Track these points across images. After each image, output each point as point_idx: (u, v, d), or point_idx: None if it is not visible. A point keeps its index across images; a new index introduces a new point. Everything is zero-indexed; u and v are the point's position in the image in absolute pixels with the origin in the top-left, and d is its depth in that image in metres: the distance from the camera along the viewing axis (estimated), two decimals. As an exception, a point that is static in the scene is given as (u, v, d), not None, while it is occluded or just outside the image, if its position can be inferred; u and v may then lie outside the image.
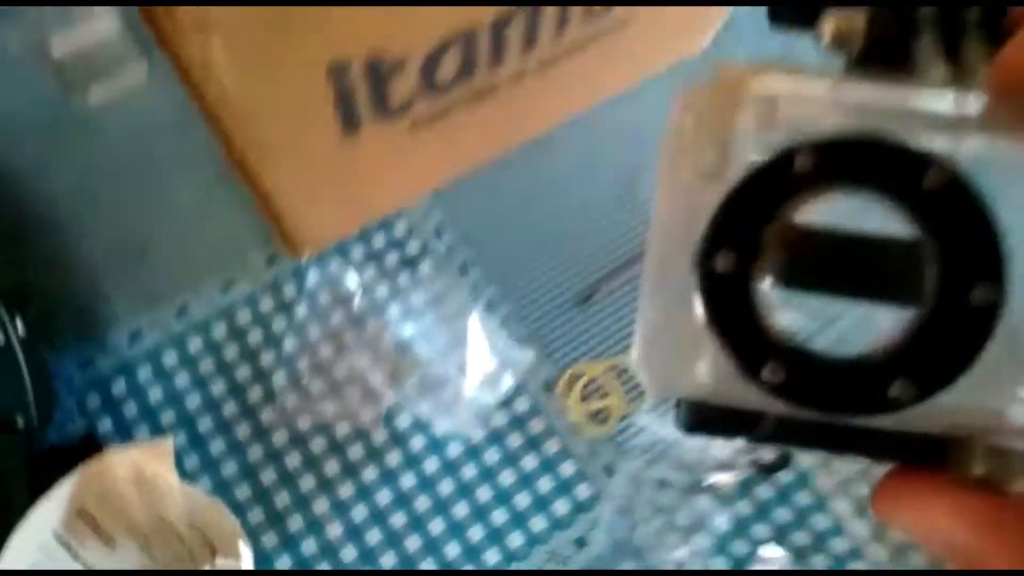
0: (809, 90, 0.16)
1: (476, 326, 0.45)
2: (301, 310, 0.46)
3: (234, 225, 0.48)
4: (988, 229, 0.14)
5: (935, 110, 0.15)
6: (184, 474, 0.41)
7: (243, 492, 0.42)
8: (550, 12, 0.39)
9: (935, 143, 0.15)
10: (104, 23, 0.50)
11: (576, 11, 0.40)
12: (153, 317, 0.46)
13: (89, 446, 0.40)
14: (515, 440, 0.44)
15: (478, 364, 0.44)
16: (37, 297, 0.43)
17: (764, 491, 0.44)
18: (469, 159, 0.48)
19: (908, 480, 0.16)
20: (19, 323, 0.38)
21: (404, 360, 0.45)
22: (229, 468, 0.43)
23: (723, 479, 0.44)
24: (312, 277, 0.47)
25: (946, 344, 0.15)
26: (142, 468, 0.38)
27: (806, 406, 0.15)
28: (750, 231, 0.15)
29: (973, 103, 0.15)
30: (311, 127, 0.36)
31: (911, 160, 0.15)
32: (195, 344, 0.45)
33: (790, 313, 0.15)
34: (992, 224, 0.14)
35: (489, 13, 0.36)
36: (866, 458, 0.16)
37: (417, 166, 0.45)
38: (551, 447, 0.44)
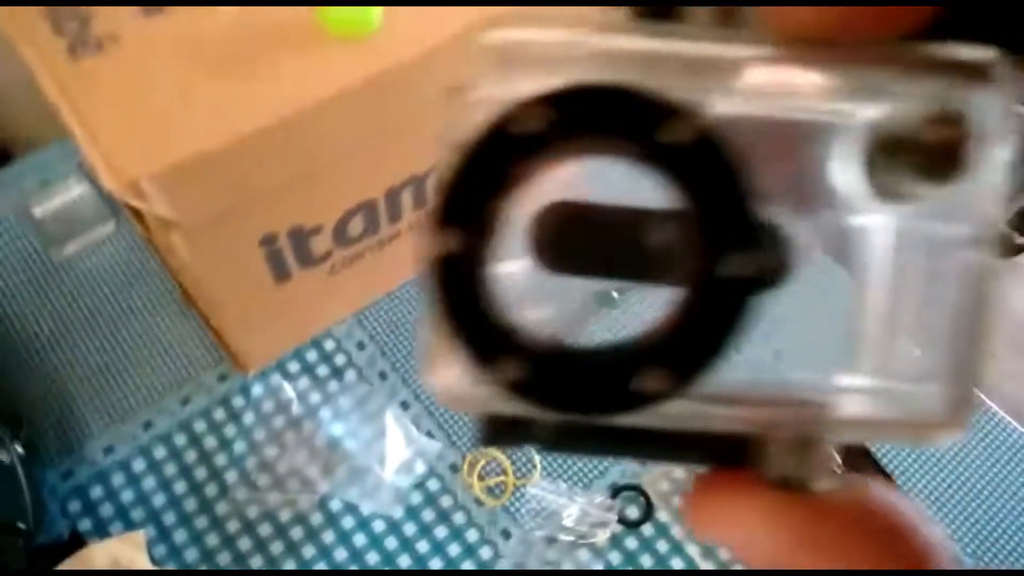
0: (547, 37, 0.14)
1: (393, 423, 0.55)
2: (248, 418, 0.56)
3: (190, 350, 0.58)
4: (738, 190, 0.12)
5: (696, 55, 0.13)
6: (154, 560, 0.50)
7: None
8: (431, 180, 0.51)
9: (691, 93, 0.13)
10: (77, 190, 0.62)
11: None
12: (124, 431, 0.55)
13: (74, 542, 0.49)
14: (428, 515, 0.54)
15: (395, 454, 0.55)
16: (27, 421, 0.52)
17: (631, 542, 0.54)
18: (381, 287, 0.59)
19: (715, 487, 0.15)
20: (17, 445, 0.47)
21: (335, 454, 0.55)
22: (191, 554, 0.52)
23: (598, 535, 0.54)
24: (257, 390, 0.57)
25: (698, 327, 0.13)
26: (118, 557, 0.48)
27: (547, 406, 0.13)
28: (477, 205, 0.13)
29: (742, 47, 0.13)
30: (250, 280, 0.47)
31: (654, 112, 0.12)
32: (159, 452, 0.55)
33: (542, 301, 0.14)
34: (743, 184, 0.12)
35: (381, 189, 0.48)
36: (659, 461, 0.15)
37: (339, 298, 0.56)
38: (458, 519, 0.54)
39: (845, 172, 0.14)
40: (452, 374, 0.14)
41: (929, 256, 0.14)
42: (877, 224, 0.14)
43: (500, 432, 0.14)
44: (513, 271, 0.14)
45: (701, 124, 0.12)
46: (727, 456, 0.14)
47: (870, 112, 0.14)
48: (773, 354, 0.14)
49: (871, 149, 0.14)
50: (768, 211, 0.13)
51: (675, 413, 0.13)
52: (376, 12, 0.39)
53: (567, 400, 0.13)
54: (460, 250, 0.13)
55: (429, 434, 0.56)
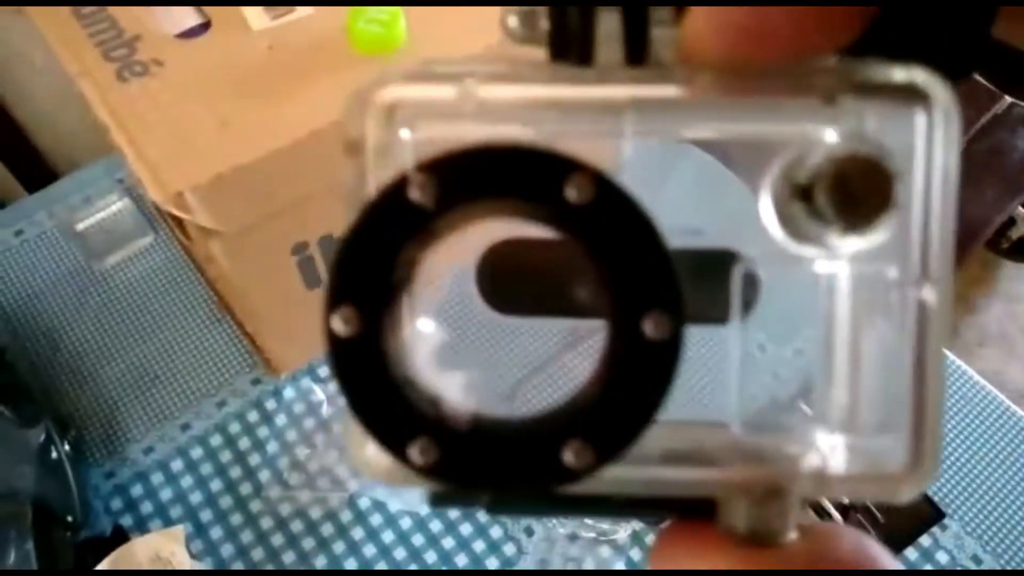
0: (438, 94, 0.13)
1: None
2: (280, 419, 0.59)
3: (225, 356, 0.61)
4: (653, 245, 0.12)
5: (603, 97, 0.13)
6: (191, 555, 0.53)
7: (239, 568, 0.54)
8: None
9: (599, 138, 0.12)
10: (117, 205, 0.65)
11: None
12: (163, 433, 0.59)
13: (118, 537, 0.52)
14: (453, 512, 0.57)
15: (421, 454, 0.57)
16: (74, 423, 0.56)
17: (652, 539, 0.56)
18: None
19: (679, 541, 0.14)
20: (67, 444, 0.50)
21: (363, 454, 0.57)
22: (227, 550, 0.55)
23: (620, 531, 0.56)
24: (288, 393, 0.60)
25: (621, 393, 0.12)
26: (159, 550, 0.51)
27: (468, 486, 0.13)
28: (371, 282, 0.12)
29: (650, 87, 0.13)
30: (283, 287, 0.50)
31: (553, 168, 0.12)
32: (196, 453, 0.58)
33: (453, 372, 0.13)
34: (656, 239, 0.12)
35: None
36: (617, 518, 0.14)
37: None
38: (482, 516, 0.57)
39: (768, 215, 0.13)
40: (373, 453, 0.13)
41: (872, 298, 0.13)
42: (817, 268, 0.14)
43: (443, 498, 0.14)
44: (430, 332, 0.13)
45: (603, 180, 0.12)
46: (689, 509, 0.13)
47: (786, 151, 0.13)
48: (719, 406, 0.13)
49: (783, 192, 0.13)
50: (713, 243, 0.12)
51: (616, 479, 0.13)
52: (400, 30, 0.42)
53: (489, 479, 0.12)
54: (356, 332, 0.12)
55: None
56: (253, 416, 0.59)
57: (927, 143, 0.12)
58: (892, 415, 0.13)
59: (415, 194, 0.12)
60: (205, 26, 0.44)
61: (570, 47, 0.13)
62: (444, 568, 0.55)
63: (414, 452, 0.12)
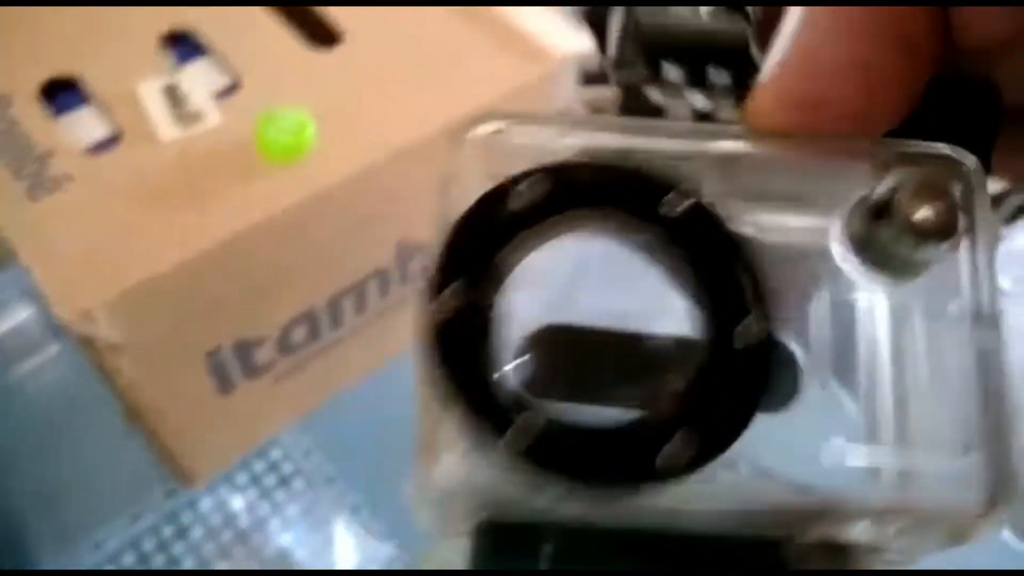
0: (532, 134, 0.15)
1: (343, 529, 0.58)
2: (196, 532, 0.58)
3: (137, 468, 0.60)
4: (742, 257, 0.13)
5: (679, 149, 0.14)
6: None
7: None
8: (371, 285, 0.55)
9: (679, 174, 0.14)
10: (22, 313, 0.64)
11: (395, 280, 0.56)
12: (72, 552, 0.57)
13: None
14: (381, 619, 0.56)
15: (345, 561, 0.57)
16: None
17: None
18: (325, 392, 0.62)
19: None
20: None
21: (285, 565, 0.57)
22: (140, 677, 0.53)
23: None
24: (205, 504, 0.59)
25: (723, 391, 0.13)
26: None
27: (570, 475, 0.12)
28: (478, 258, 0.13)
29: (722, 142, 0.14)
30: (195, 394, 0.50)
31: (651, 186, 0.13)
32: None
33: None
34: (743, 250, 0.13)
35: (324, 298, 0.52)
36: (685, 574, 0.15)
37: (283, 406, 0.59)
38: (411, 621, 0.56)
39: (837, 252, 0.15)
40: (454, 458, 0.13)
41: (931, 331, 0.14)
42: (877, 303, 0.15)
43: (501, 544, 0.13)
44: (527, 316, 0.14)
45: (695, 196, 0.13)
46: (758, 566, 0.13)
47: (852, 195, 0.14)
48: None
49: (858, 222, 0.14)
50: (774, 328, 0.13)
51: (703, 490, 0.13)
52: (308, 138, 0.44)
53: (591, 469, 0.12)
54: (462, 304, 0.13)
55: (380, 539, 0.58)
56: (168, 531, 0.58)
57: (966, 203, 0.14)
58: (958, 442, 0.13)
59: (522, 193, 0.13)
60: (115, 139, 0.45)
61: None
62: None
63: (518, 436, 0.12)
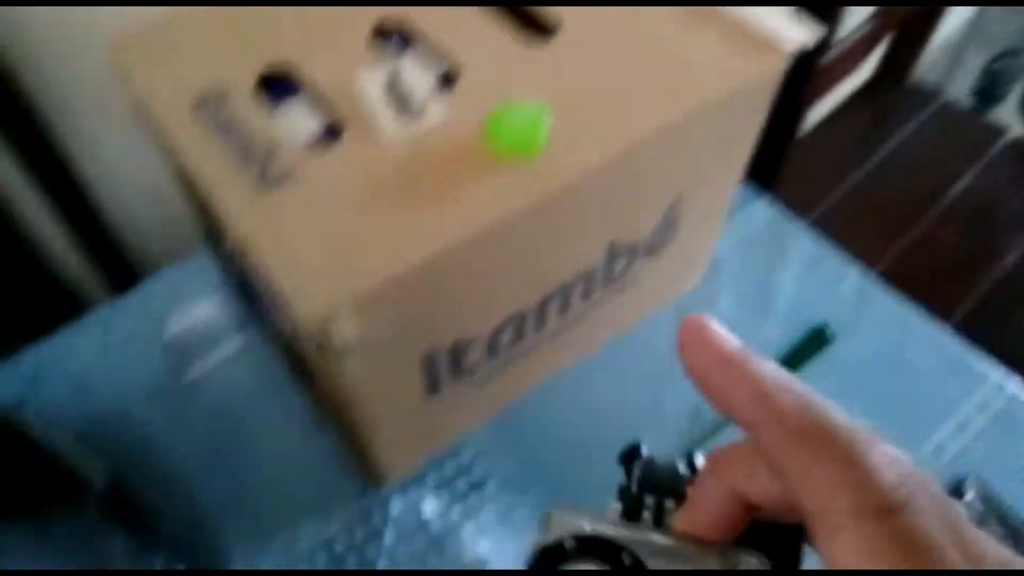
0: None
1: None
2: (389, 536, 0.59)
3: (328, 466, 0.62)
4: None
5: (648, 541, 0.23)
6: None
7: None
8: (578, 286, 0.55)
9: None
10: (205, 309, 0.67)
11: (598, 281, 0.56)
12: (266, 550, 0.59)
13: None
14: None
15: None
16: (167, 544, 0.56)
17: None
18: (520, 392, 0.63)
19: None
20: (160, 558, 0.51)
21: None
22: None
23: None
24: (396, 505, 0.60)
25: None
26: None
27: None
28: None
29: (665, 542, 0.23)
30: (404, 394, 0.51)
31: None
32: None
33: None
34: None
35: (534, 301, 0.52)
36: None
37: (479, 408, 0.60)
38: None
39: None
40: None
41: None
42: None
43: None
44: None
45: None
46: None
47: None
48: None
49: None
50: None
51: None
52: (541, 137, 0.44)
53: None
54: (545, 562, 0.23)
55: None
56: (360, 532, 0.60)
57: None
58: None
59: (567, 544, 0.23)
60: (334, 132, 0.47)
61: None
62: None
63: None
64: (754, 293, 0.70)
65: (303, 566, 0.58)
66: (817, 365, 0.66)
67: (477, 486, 0.61)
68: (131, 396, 0.65)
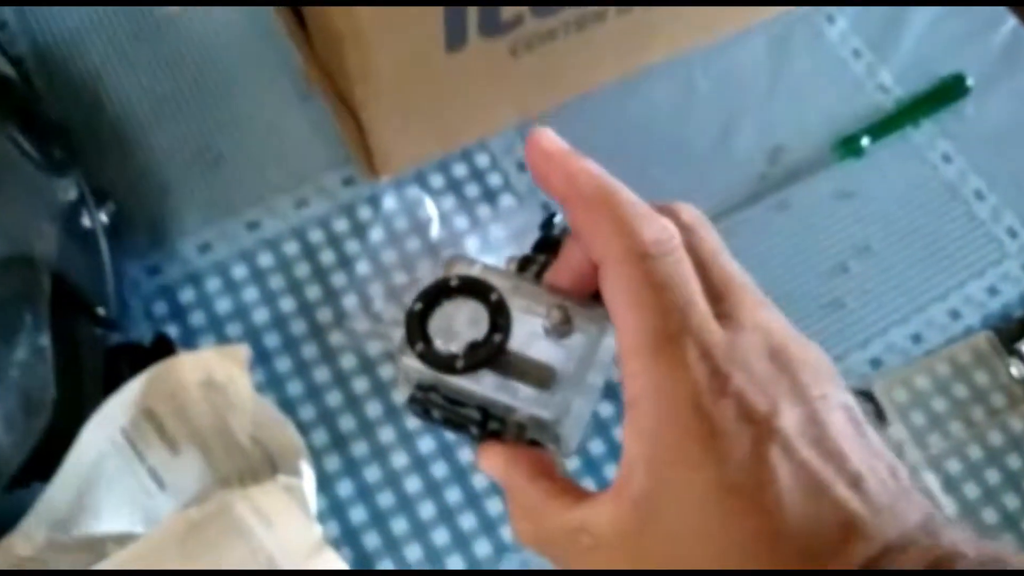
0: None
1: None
2: (376, 234, 0.49)
3: (310, 144, 0.51)
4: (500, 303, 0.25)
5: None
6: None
7: (308, 413, 0.45)
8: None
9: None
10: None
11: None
12: (223, 229, 0.49)
13: (161, 348, 0.42)
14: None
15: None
16: (113, 197, 0.46)
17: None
18: (564, 89, 0.50)
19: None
20: (103, 214, 0.41)
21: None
22: (295, 387, 0.46)
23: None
24: (388, 202, 0.49)
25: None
26: (214, 372, 0.41)
27: (431, 366, 0.25)
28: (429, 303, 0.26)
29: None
30: (419, 38, 0.39)
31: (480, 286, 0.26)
32: (265, 260, 0.48)
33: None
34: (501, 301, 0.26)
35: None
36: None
37: (512, 91, 0.47)
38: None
39: None
40: (408, 359, 0.26)
41: None
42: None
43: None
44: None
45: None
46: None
47: None
48: None
49: None
50: None
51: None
52: None
53: (440, 365, 0.26)
54: (420, 315, 0.26)
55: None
56: (341, 224, 0.49)
57: None
58: None
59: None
60: None
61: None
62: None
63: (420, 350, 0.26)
64: (879, 25, 0.56)
65: (267, 251, 0.48)
66: (943, 120, 0.53)
67: (490, 196, 0.50)
68: (87, 22, 0.53)
